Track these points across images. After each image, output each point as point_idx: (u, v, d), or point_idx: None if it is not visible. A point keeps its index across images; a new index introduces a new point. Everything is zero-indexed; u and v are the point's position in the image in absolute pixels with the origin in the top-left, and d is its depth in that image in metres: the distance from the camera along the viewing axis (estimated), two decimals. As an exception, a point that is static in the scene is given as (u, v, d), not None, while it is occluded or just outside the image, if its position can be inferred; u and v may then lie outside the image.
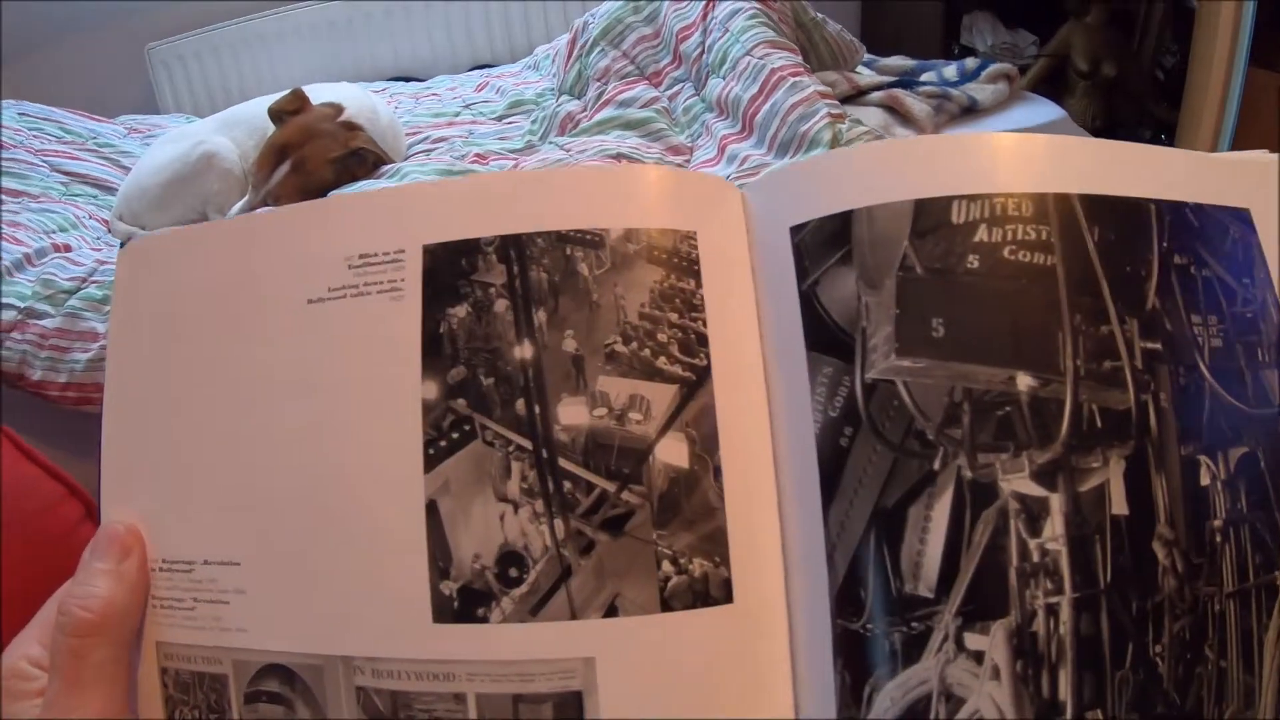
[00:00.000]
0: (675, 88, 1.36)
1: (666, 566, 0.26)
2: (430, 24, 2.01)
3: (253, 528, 0.29)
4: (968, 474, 0.26)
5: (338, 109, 1.33)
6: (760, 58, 1.16)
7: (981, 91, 1.27)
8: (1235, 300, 0.28)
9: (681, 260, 0.28)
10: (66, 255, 1.20)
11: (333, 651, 0.28)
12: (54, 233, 1.27)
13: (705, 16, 1.32)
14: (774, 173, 0.30)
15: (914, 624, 0.26)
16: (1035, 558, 0.26)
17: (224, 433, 0.30)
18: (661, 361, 0.27)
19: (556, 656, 0.26)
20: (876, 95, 1.25)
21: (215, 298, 0.30)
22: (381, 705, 0.27)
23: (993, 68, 1.31)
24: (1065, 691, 0.25)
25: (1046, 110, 1.30)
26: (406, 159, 1.38)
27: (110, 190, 1.48)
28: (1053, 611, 0.26)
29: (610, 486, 0.26)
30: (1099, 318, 0.27)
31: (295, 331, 0.29)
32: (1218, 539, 0.27)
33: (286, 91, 1.35)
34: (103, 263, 1.16)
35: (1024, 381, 0.27)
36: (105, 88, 1.97)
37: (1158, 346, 0.27)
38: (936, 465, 0.26)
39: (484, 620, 0.26)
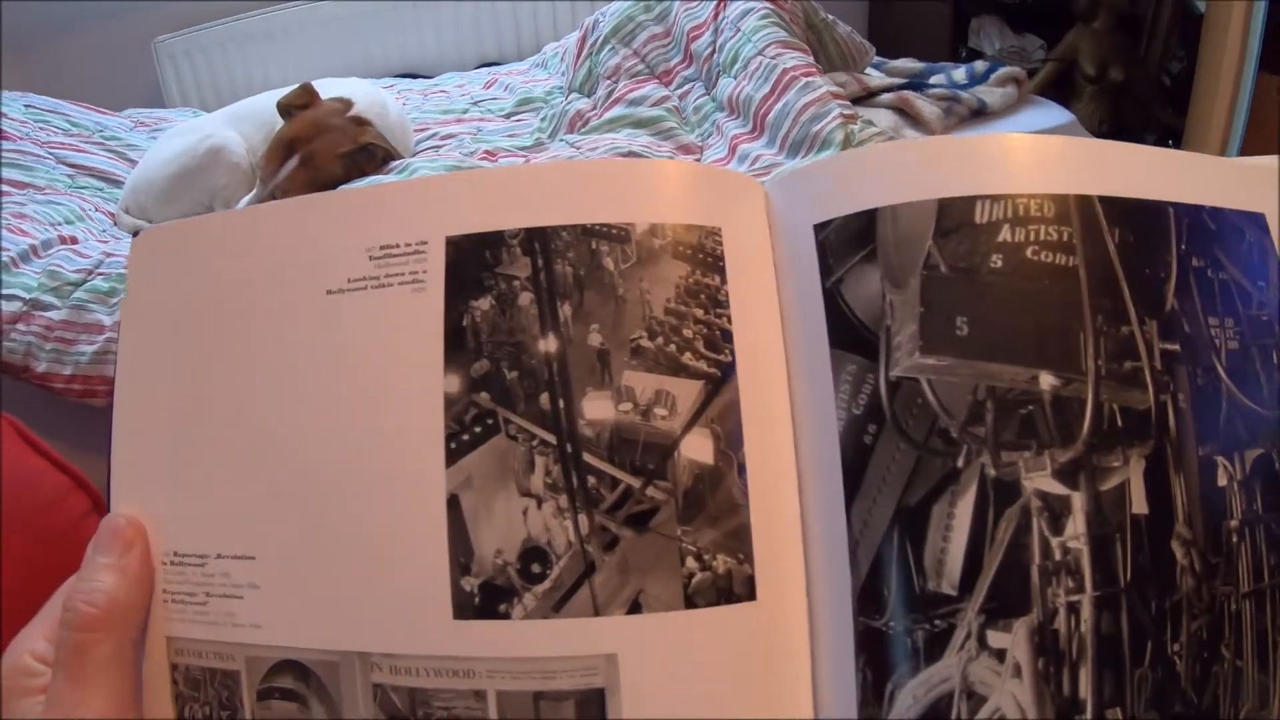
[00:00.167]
0: (686, 87, 1.36)
1: (690, 563, 0.26)
2: (438, 22, 2.01)
3: (268, 521, 0.28)
4: (991, 472, 0.26)
5: (347, 104, 1.32)
6: (772, 58, 1.16)
7: (991, 95, 1.27)
8: (1251, 304, 0.29)
9: (707, 256, 0.28)
10: (73, 247, 1.19)
11: (349, 648, 0.27)
12: (60, 225, 1.26)
13: (716, 16, 1.32)
14: (797, 170, 0.30)
15: (936, 621, 0.26)
16: (1057, 556, 0.26)
17: (239, 424, 0.29)
18: (687, 357, 0.27)
19: (579, 653, 0.25)
20: (886, 97, 1.25)
21: (231, 287, 0.30)
22: (399, 702, 0.27)
23: (1001, 71, 1.32)
24: (1086, 690, 0.26)
25: (1055, 114, 1.30)
26: (415, 155, 1.37)
27: (116, 183, 1.47)
28: (1074, 610, 0.26)
29: (635, 482, 0.26)
30: (1119, 318, 0.27)
31: (313, 322, 0.29)
32: (1234, 539, 0.27)
33: (295, 86, 1.34)
34: (109, 255, 1.16)
35: (1046, 381, 0.27)
36: (112, 81, 1.96)
37: (1176, 348, 0.27)
38: (960, 463, 0.26)
39: (505, 616, 0.26)
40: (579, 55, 1.51)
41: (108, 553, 0.29)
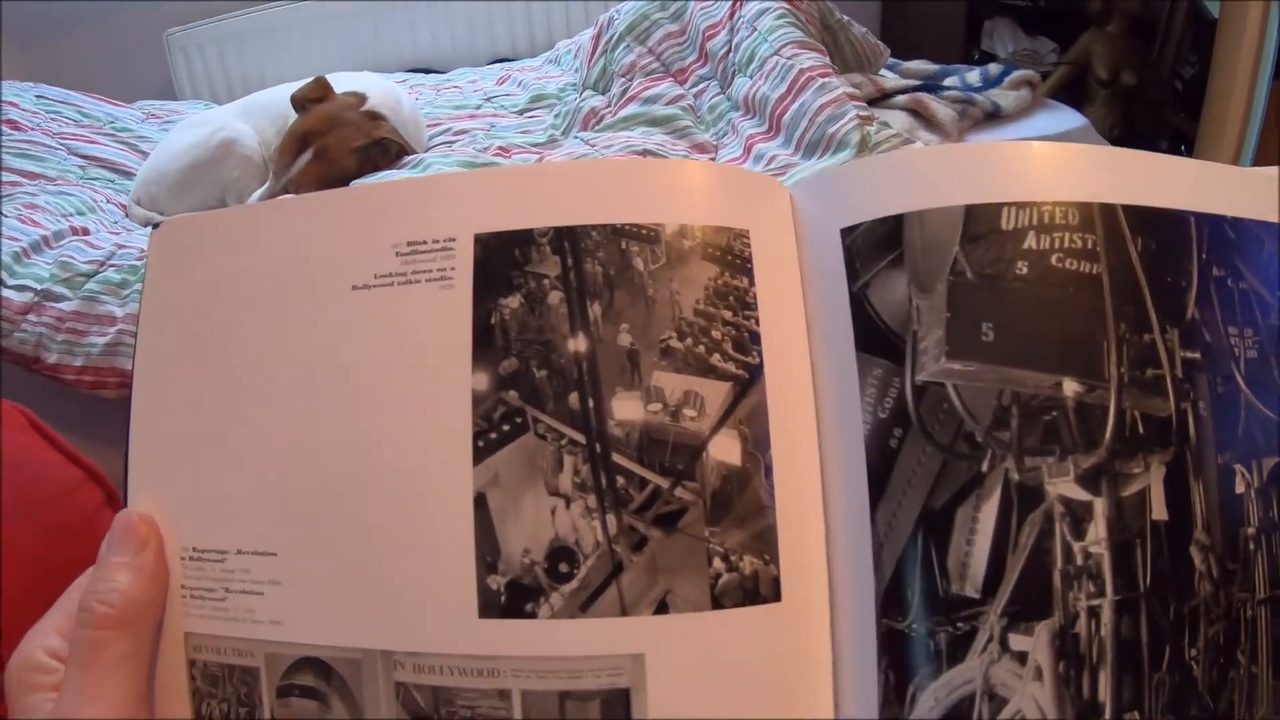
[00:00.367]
0: (700, 85, 1.36)
1: (718, 564, 0.26)
2: (450, 17, 2.00)
3: (290, 518, 0.28)
4: (1015, 476, 0.26)
5: (361, 98, 1.32)
6: (789, 58, 1.17)
7: (1005, 97, 1.27)
8: (1270, 313, 0.29)
9: (735, 258, 0.28)
10: (84, 238, 1.19)
11: (372, 645, 0.27)
12: (72, 216, 1.26)
13: (732, 15, 1.32)
14: (824, 174, 0.30)
15: (959, 624, 0.26)
16: (1079, 560, 0.26)
17: (260, 418, 0.29)
18: (715, 359, 0.27)
19: (605, 653, 0.25)
20: (901, 99, 1.25)
21: (253, 280, 0.30)
22: (422, 701, 0.27)
23: (1016, 74, 1.32)
24: (1105, 693, 0.26)
25: (1069, 118, 1.30)
26: (428, 150, 1.37)
27: (127, 175, 1.47)
28: (1094, 614, 0.26)
29: (664, 482, 0.26)
30: (1142, 326, 0.28)
31: (339, 317, 0.28)
32: (1251, 546, 0.27)
33: (309, 79, 1.34)
34: (121, 246, 1.15)
35: (1070, 387, 0.27)
36: (123, 74, 1.96)
37: (1197, 356, 0.28)
38: (984, 467, 0.27)
39: (532, 616, 0.26)
40: (593, 52, 1.50)
41: (122, 551, 0.29)
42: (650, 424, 0.26)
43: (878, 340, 0.28)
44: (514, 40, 2.04)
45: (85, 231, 1.21)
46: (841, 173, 0.30)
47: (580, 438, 0.26)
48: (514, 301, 0.27)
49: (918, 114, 1.23)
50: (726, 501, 0.26)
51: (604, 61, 1.46)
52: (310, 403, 0.28)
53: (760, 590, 0.26)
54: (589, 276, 0.27)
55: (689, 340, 0.27)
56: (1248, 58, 1.41)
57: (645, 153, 1.16)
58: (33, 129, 1.47)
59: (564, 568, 0.26)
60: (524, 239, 0.27)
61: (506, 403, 0.27)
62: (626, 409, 0.26)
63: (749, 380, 0.27)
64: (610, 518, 0.26)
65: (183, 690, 0.29)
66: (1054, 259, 0.28)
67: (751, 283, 0.28)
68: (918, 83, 1.33)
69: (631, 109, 1.29)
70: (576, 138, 1.31)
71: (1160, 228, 0.29)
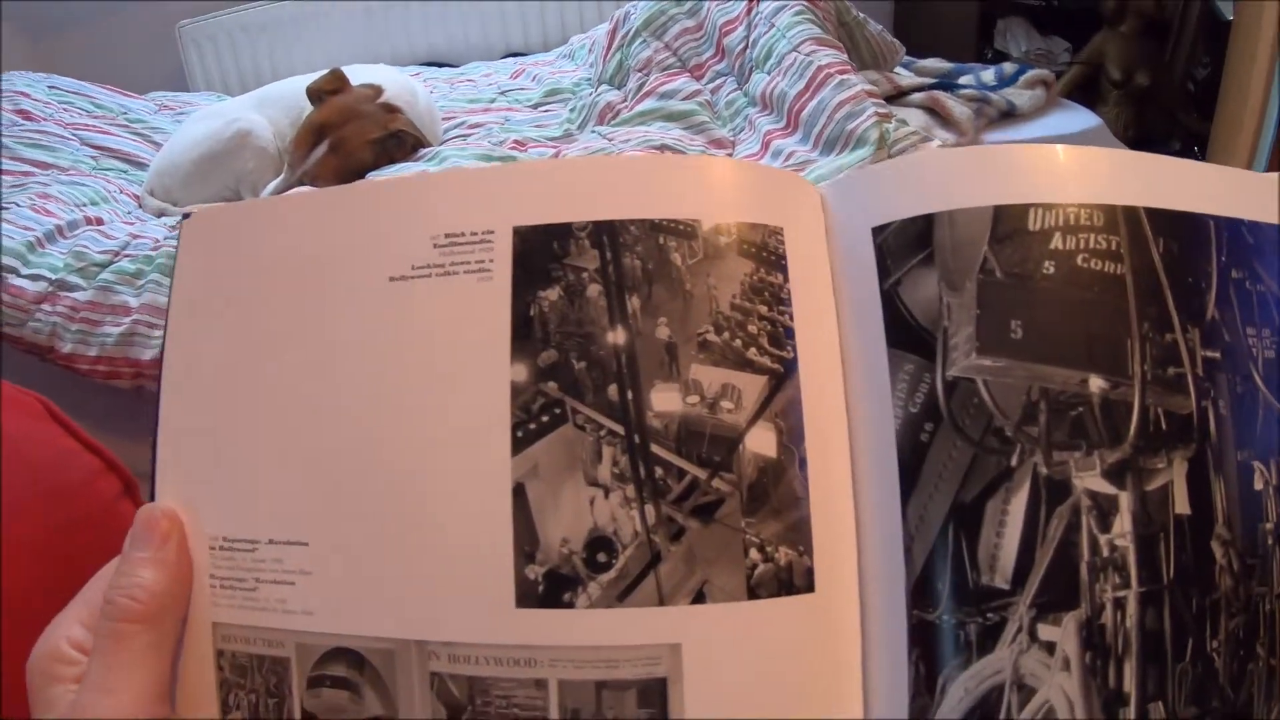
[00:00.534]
0: (717, 81, 1.36)
1: (754, 554, 0.26)
2: (463, 11, 2.01)
3: (323, 507, 0.28)
4: (1043, 470, 0.27)
5: (377, 90, 1.31)
6: (807, 54, 1.17)
7: (1020, 97, 1.28)
8: (1286, 315, 0.30)
9: (770, 254, 0.28)
10: (99, 228, 1.18)
11: (407, 636, 0.27)
12: (86, 205, 1.25)
13: (749, 11, 1.32)
14: (853, 174, 0.31)
15: (989, 615, 0.27)
16: (1105, 553, 0.27)
17: (295, 408, 0.29)
18: (752, 352, 0.27)
19: (643, 642, 0.26)
20: (917, 96, 1.25)
21: (288, 271, 0.30)
22: (457, 691, 0.27)
23: (1030, 73, 1.32)
24: (1130, 683, 0.26)
25: (1084, 118, 1.31)
26: (443, 144, 1.37)
27: (140, 165, 1.46)
28: (1120, 605, 0.27)
29: (701, 474, 0.26)
30: (1164, 326, 0.28)
31: (375, 308, 0.29)
32: (1269, 541, 0.28)
33: (325, 71, 1.33)
34: (136, 236, 1.15)
35: (1096, 384, 0.28)
36: (135, 65, 1.96)
37: (1217, 355, 0.29)
38: (1014, 461, 0.27)
39: (570, 605, 0.26)
40: (609, 47, 1.50)
41: (145, 546, 0.29)
42: (688, 416, 0.27)
43: (909, 337, 0.28)
44: (527, 35, 2.05)
45: (99, 221, 1.21)
46: (872, 173, 0.30)
47: (619, 429, 0.26)
48: (553, 294, 0.27)
49: (934, 112, 1.23)
50: (762, 493, 0.27)
51: (620, 56, 1.46)
52: (345, 393, 0.29)
53: (794, 581, 0.27)
54: (628, 270, 0.27)
55: (726, 334, 0.27)
56: (1263, 60, 1.40)
57: (663, 148, 1.17)
58: (45, 119, 1.47)
59: (602, 557, 0.26)
60: (563, 232, 0.28)
61: (546, 394, 0.27)
62: (665, 401, 0.27)
63: (784, 374, 0.27)
64: (649, 508, 0.26)
65: (209, 681, 0.29)
66: (1079, 259, 0.28)
67: (786, 279, 0.28)
68: (933, 80, 1.32)
69: (648, 104, 1.30)
70: (594, 132, 1.31)
71: (1181, 230, 0.29)
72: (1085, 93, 1.79)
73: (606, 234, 0.28)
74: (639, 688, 0.26)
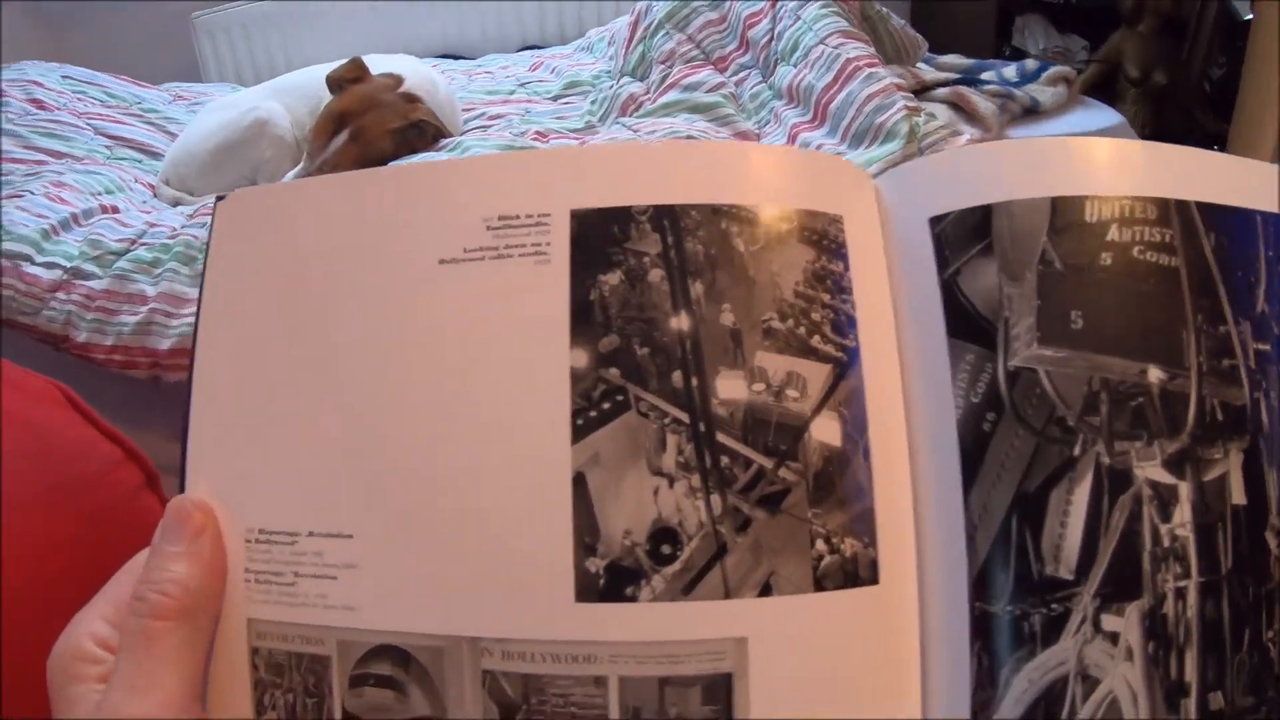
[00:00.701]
0: (741, 74, 1.35)
1: (820, 545, 0.26)
2: (479, 4, 2.00)
3: (369, 498, 0.27)
4: (1105, 460, 0.27)
5: (397, 80, 1.29)
6: (835, 47, 1.17)
7: (1042, 93, 1.28)
8: (1329, 309, 0.30)
9: (830, 242, 0.28)
10: (115, 216, 1.15)
11: (458, 632, 0.26)
12: (101, 194, 1.22)
13: (774, 4, 1.31)
14: (908, 166, 0.31)
15: (1053, 605, 0.26)
16: (1166, 542, 0.27)
17: (339, 395, 0.28)
18: (816, 340, 0.27)
19: (708, 636, 0.25)
20: (941, 92, 1.25)
21: (328, 254, 0.29)
22: (510, 690, 0.26)
23: (1052, 70, 1.33)
24: (1191, 673, 0.26)
25: (1105, 115, 1.32)
26: (463, 134, 1.35)
27: (155, 155, 1.43)
28: (1181, 595, 0.27)
29: (768, 463, 0.26)
30: (1217, 318, 0.28)
31: (425, 292, 0.28)
32: (1319, 532, 0.28)
33: (345, 60, 1.31)
34: (153, 225, 1.12)
35: (1154, 374, 0.28)
36: (149, 56, 1.94)
37: (1267, 348, 0.29)
38: (1077, 451, 0.27)
39: (633, 599, 0.25)
40: (631, 39, 1.49)
41: (177, 540, 0.28)
42: (754, 404, 0.26)
43: (969, 326, 0.28)
44: (543, 28, 2.05)
45: (115, 210, 1.18)
46: (927, 164, 0.30)
47: (684, 416, 0.26)
48: (614, 278, 0.27)
49: (958, 107, 1.23)
50: (828, 483, 0.26)
51: (643, 48, 1.45)
52: (393, 379, 0.28)
53: (859, 573, 0.26)
54: (690, 255, 0.27)
55: (790, 321, 0.27)
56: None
57: (689, 139, 1.16)
58: (59, 109, 1.44)
59: (666, 549, 0.25)
60: (622, 216, 0.27)
61: (607, 380, 0.26)
62: (731, 388, 0.26)
63: (847, 363, 0.27)
64: (715, 498, 0.25)
65: (243, 680, 0.28)
66: (1135, 251, 0.28)
67: (847, 267, 0.28)
68: (956, 76, 1.33)
69: (672, 95, 1.29)
70: (618, 123, 1.30)
71: (1230, 224, 0.30)
72: (1102, 91, 1.78)
73: (667, 218, 0.27)
74: (704, 683, 0.25)
